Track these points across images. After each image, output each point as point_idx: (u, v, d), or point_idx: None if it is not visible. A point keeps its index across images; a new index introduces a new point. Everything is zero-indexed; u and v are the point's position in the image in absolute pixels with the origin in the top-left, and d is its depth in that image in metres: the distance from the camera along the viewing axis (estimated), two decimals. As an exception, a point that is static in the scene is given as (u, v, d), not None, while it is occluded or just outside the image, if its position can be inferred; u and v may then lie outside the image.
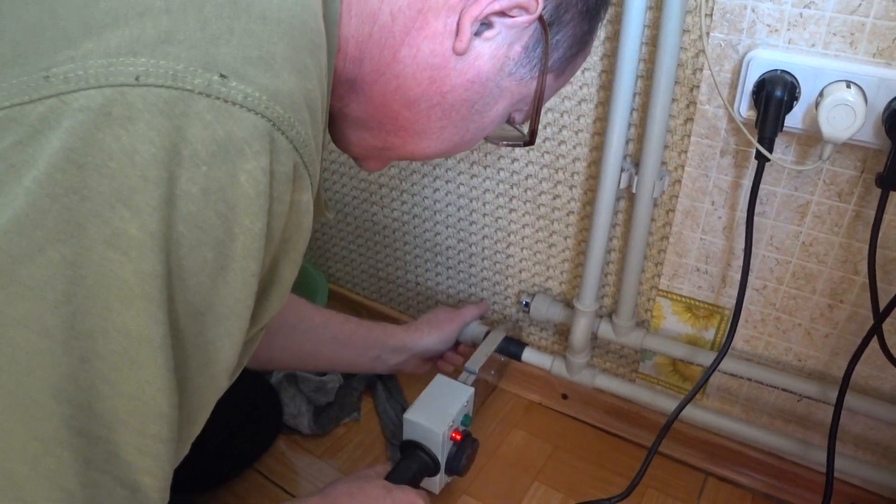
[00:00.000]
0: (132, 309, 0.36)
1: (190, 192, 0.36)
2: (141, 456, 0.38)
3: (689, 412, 0.88)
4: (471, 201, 0.97)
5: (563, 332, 1.00)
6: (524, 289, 0.99)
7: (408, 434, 0.77)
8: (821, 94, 0.67)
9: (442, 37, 0.47)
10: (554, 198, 0.90)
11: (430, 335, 0.90)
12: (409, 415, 0.76)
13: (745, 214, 0.79)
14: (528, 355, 0.93)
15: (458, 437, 0.78)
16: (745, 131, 0.72)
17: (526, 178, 0.91)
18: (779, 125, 0.69)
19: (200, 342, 0.39)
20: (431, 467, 0.76)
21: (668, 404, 0.89)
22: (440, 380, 0.82)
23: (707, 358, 0.85)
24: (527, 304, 0.95)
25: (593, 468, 0.93)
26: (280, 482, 0.91)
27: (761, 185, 0.73)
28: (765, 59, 0.69)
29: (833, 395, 0.79)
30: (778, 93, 0.68)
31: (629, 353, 0.95)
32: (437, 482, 0.79)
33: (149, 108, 0.34)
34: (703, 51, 0.74)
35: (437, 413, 0.77)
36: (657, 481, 0.90)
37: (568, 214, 0.90)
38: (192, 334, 0.39)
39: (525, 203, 0.92)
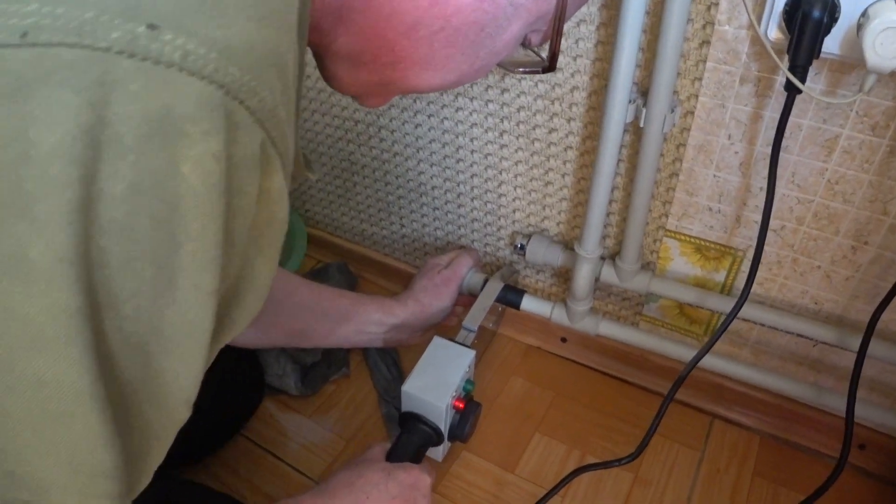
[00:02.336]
0: (45, 355, 0.28)
1: (113, 193, 0.27)
2: None
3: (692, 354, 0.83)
4: (457, 137, 0.87)
5: (561, 275, 0.93)
6: (518, 230, 0.92)
7: (407, 406, 0.71)
8: (864, 15, 0.58)
9: None
10: (550, 132, 0.81)
11: (431, 306, 0.83)
12: (408, 387, 0.70)
13: (764, 149, 0.71)
14: (528, 303, 0.86)
15: (462, 406, 0.72)
16: (774, 56, 0.63)
17: (518, 111, 0.81)
18: (815, 52, 0.60)
19: (147, 375, 0.32)
20: (434, 439, 0.72)
21: (677, 351, 0.84)
22: (438, 342, 0.76)
23: (718, 302, 0.80)
24: (522, 247, 0.88)
25: (596, 415, 0.90)
26: (270, 447, 0.86)
27: (785, 118, 0.65)
28: (800, -29, 0.59)
29: (851, 341, 0.75)
30: (816, 13, 0.58)
31: (633, 296, 0.89)
32: (440, 451, 0.74)
33: (43, 78, 0.25)
34: (725, -39, 0.63)
35: (437, 383, 0.71)
36: (662, 426, 0.85)
37: (566, 150, 0.81)
38: (135, 368, 0.31)
39: (517, 138, 0.83)
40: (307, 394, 0.90)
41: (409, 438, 0.71)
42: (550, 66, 0.51)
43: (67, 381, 0.29)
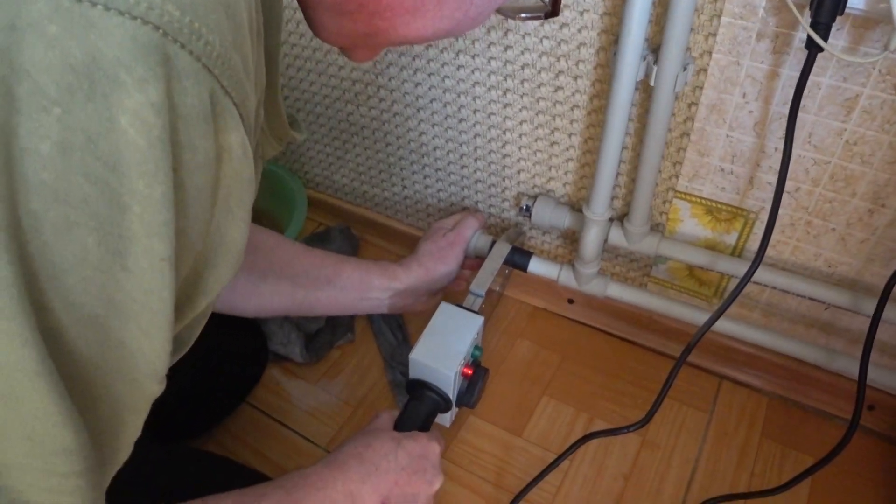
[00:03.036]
0: None
1: (38, 151, 0.24)
2: (53, 495, 0.31)
3: (704, 318, 0.82)
4: (458, 96, 0.84)
5: (568, 236, 0.91)
6: (524, 191, 0.89)
7: (415, 374, 0.71)
8: (893, -33, 0.54)
9: None
10: (556, 90, 0.77)
11: (436, 270, 0.81)
12: (416, 354, 0.69)
13: (780, 109, 0.68)
14: (535, 266, 0.84)
15: (470, 373, 0.72)
16: (795, 11, 0.59)
17: (522, 69, 0.77)
18: (839, 7, 0.56)
19: (107, 349, 0.30)
20: (442, 406, 0.71)
21: (686, 313, 0.83)
22: (445, 308, 0.74)
23: (729, 265, 0.78)
24: (527, 209, 0.86)
25: (604, 378, 0.89)
26: (276, 415, 0.86)
27: (804, 77, 0.61)
28: (825, -80, 0.55)
29: (864, 305, 0.73)
30: (842, -33, 0.55)
31: (642, 258, 0.87)
32: (447, 417, 0.74)
33: None
34: None
35: (446, 350, 0.70)
36: (670, 389, 0.86)
37: (572, 109, 0.78)
38: (92, 342, 0.30)
39: (522, 97, 0.80)
40: (312, 361, 0.90)
41: (418, 406, 0.70)
42: (553, 10, 0.48)
43: (12, 359, 0.27)
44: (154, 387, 0.34)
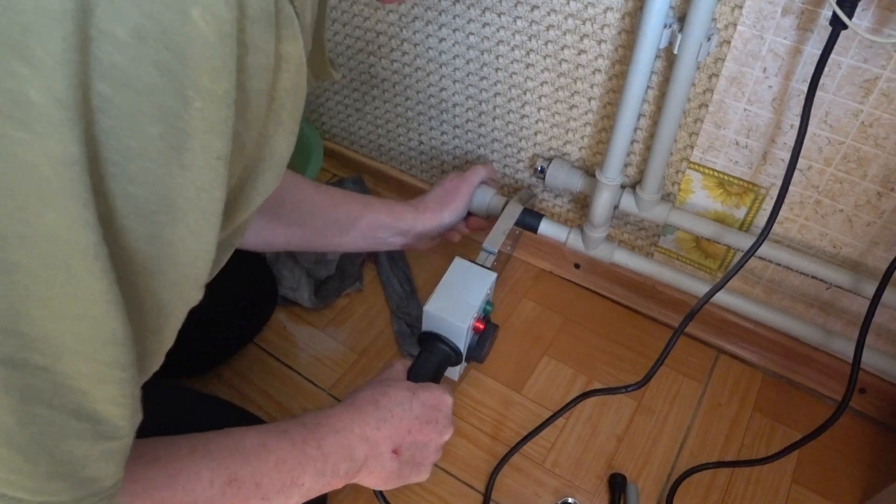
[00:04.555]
0: (52, 207, 0.26)
1: (114, 34, 0.25)
2: (100, 385, 0.31)
3: (705, 288, 0.84)
4: (482, 53, 0.84)
5: (579, 201, 0.92)
6: (539, 153, 0.90)
7: (428, 326, 0.72)
8: (925, -53, 0.55)
9: None
10: (579, 53, 0.78)
11: (440, 213, 0.82)
12: (430, 307, 0.71)
13: (800, 86, 0.69)
14: (545, 227, 0.86)
15: (481, 327, 0.73)
16: (821, -12, 0.59)
17: (547, 29, 0.78)
18: (866, -14, 0.57)
19: (156, 246, 0.31)
20: (454, 359, 0.73)
21: (689, 284, 0.84)
22: (459, 264, 0.75)
23: (736, 238, 0.79)
24: (542, 170, 0.87)
25: (604, 342, 0.91)
26: (281, 357, 0.89)
27: (827, 56, 0.62)
28: None
29: (865, 287, 0.74)
30: (872, -56, 0.55)
31: (650, 226, 0.88)
32: (456, 371, 0.76)
33: None
34: None
35: (459, 304, 0.71)
36: (669, 357, 0.87)
37: (594, 73, 0.79)
38: (142, 238, 0.30)
39: (545, 58, 0.80)
40: (320, 307, 0.92)
41: (429, 358, 0.72)
42: None
43: (71, 238, 0.27)
44: (194, 293, 0.35)
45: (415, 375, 0.70)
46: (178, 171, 0.29)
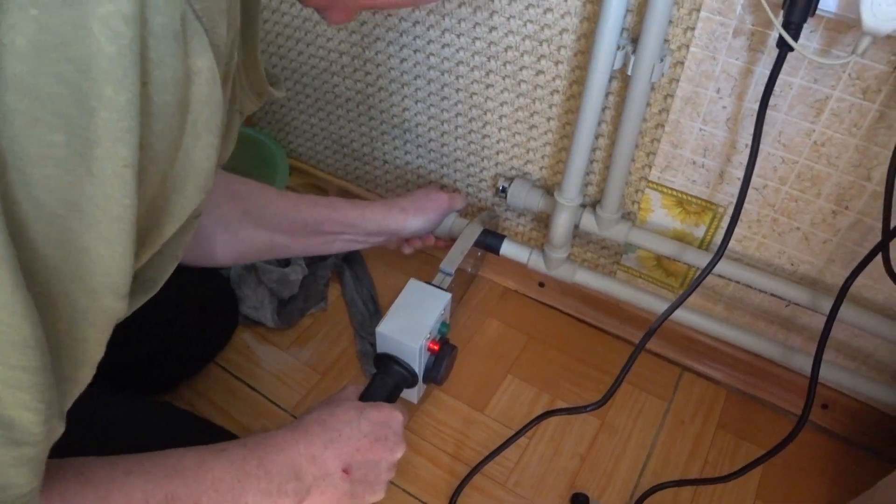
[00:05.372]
0: None
1: (14, 45, 0.26)
2: (9, 390, 0.31)
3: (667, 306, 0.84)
4: (442, 74, 0.85)
5: (542, 220, 0.92)
6: (501, 172, 0.90)
7: (382, 347, 0.72)
8: (865, -29, 0.55)
9: None
10: (537, 74, 0.78)
11: (415, 219, 0.81)
12: (383, 328, 0.71)
13: (753, 106, 0.69)
14: (506, 248, 0.86)
15: (437, 348, 0.73)
16: (769, 10, 0.60)
17: (505, 51, 0.78)
18: (810, 9, 0.57)
19: (67, 252, 0.31)
20: (409, 380, 0.72)
21: (651, 303, 0.84)
22: (413, 285, 0.75)
23: (695, 257, 0.79)
24: (504, 190, 0.87)
25: (568, 360, 0.91)
26: (244, 377, 0.88)
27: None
28: (802, -79, 0.56)
29: (823, 304, 0.75)
30: (814, -32, 0.56)
31: (612, 245, 0.89)
32: (415, 393, 0.75)
33: None
34: None
35: (412, 324, 0.71)
36: (632, 374, 0.88)
37: (552, 94, 0.79)
38: (53, 243, 0.31)
39: (504, 78, 0.81)
40: (283, 327, 0.91)
41: (384, 379, 0.72)
42: None
43: None
44: (114, 303, 0.35)
45: (367, 397, 0.69)
46: (86, 178, 0.30)
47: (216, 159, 0.36)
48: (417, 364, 0.72)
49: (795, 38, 0.58)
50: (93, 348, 0.36)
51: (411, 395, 0.76)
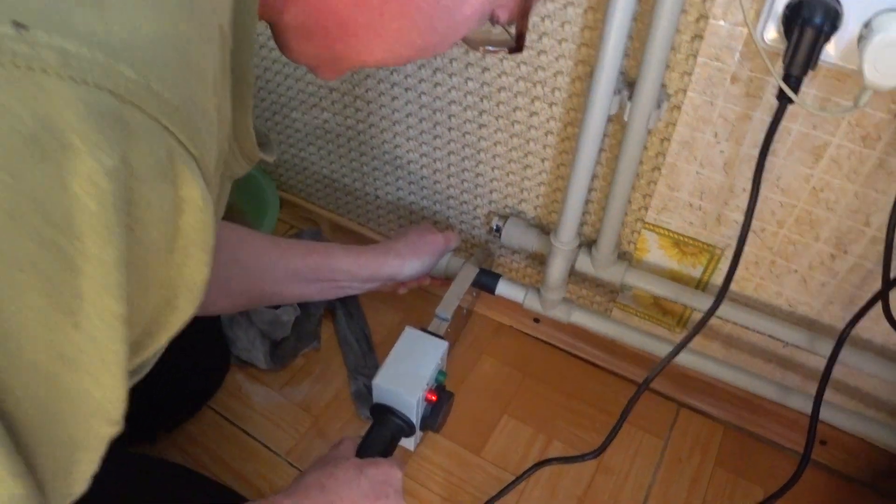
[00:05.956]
0: None
1: None
2: None
3: (665, 348, 0.83)
4: (434, 113, 0.83)
5: (537, 257, 0.91)
6: (495, 210, 0.89)
7: (379, 398, 0.70)
8: (867, 26, 0.54)
9: None
10: (531, 115, 0.77)
11: (411, 264, 0.80)
12: (380, 380, 0.69)
13: (750, 151, 0.68)
14: (502, 288, 0.85)
15: (434, 398, 0.72)
16: (767, 62, 0.59)
17: (498, 91, 0.77)
18: (811, 62, 0.56)
19: (56, 399, 0.30)
20: (406, 431, 0.71)
21: (648, 344, 0.83)
22: (410, 333, 0.74)
23: (693, 298, 0.79)
24: (498, 229, 0.86)
25: (564, 399, 0.90)
26: (237, 421, 0.86)
27: (774, 123, 0.62)
28: (803, -26, 0.54)
29: (821, 346, 0.74)
30: (818, 20, 0.54)
31: (608, 284, 0.88)
32: (412, 441, 0.74)
33: None
34: (724, -48, 0.59)
35: (409, 376, 0.70)
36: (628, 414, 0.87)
37: (546, 134, 0.78)
38: (40, 395, 0.29)
39: (497, 119, 0.79)
40: (276, 368, 0.90)
41: (381, 431, 0.70)
42: (517, 46, 0.49)
43: None
44: (107, 429, 0.34)
45: (364, 451, 0.68)
46: (74, 332, 0.28)
47: (209, 273, 0.35)
48: (415, 415, 0.71)
49: (796, 91, 0.57)
50: (86, 468, 0.34)
51: (408, 443, 0.75)
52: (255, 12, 0.37)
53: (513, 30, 0.48)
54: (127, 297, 0.29)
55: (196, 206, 0.30)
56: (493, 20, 0.46)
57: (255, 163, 0.52)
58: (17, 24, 0.22)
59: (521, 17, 0.45)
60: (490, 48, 0.51)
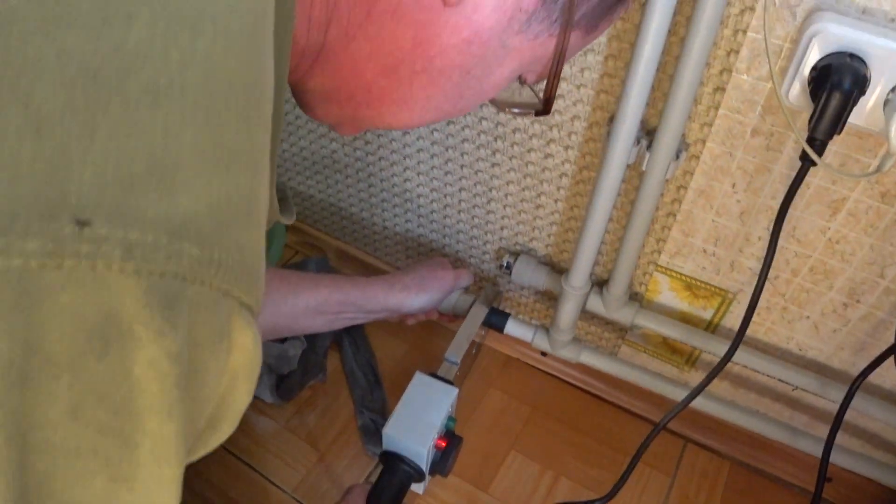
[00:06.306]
0: None
1: (47, 419, 0.23)
2: None
3: (675, 390, 0.83)
4: (446, 150, 0.82)
5: (546, 294, 0.91)
6: (505, 246, 0.88)
7: (388, 446, 0.70)
8: (894, 91, 0.54)
9: None
10: (545, 157, 0.76)
11: (417, 298, 0.79)
12: (390, 429, 0.69)
13: (768, 202, 0.68)
14: (511, 327, 0.84)
15: (444, 444, 0.71)
16: (791, 121, 0.58)
17: (513, 132, 0.76)
18: (838, 128, 0.56)
19: None
20: (415, 478, 0.71)
21: (658, 385, 0.83)
22: (420, 379, 0.73)
23: (703, 341, 0.79)
24: (508, 266, 0.85)
25: (572, 434, 0.90)
26: (244, 456, 0.85)
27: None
28: (833, 35, 0.54)
29: (831, 392, 0.75)
30: (846, 87, 0.54)
31: (618, 323, 0.87)
32: (421, 486, 0.74)
33: None
34: (752, 7, 0.58)
35: (420, 424, 0.69)
36: (635, 448, 0.87)
37: (560, 176, 0.77)
38: None
39: (511, 159, 0.79)
40: (282, 402, 0.89)
41: (391, 479, 0.70)
42: (545, 109, 0.48)
43: None
44: None
45: (374, 500, 0.68)
46: (127, 494, 0.27)
47: (251, 398, 0.34)
48: (425, 463, 0.71)
49: (820, 154, 0.57)
50: None
51: (417, 487, 0.75)
52: (285, 79, 0.36)
53: (540, 91, 0.47)
54: (183, 459, 0.28)
55: (247, 349, 0.29)
56: (521, 80, 0.45)
57: (272, 224, 0.51)
58: (80, 222, 0.21)
59: (553, 81, 0.44)
60: (516, 111, 0.51)
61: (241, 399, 0.33)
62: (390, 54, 0.37)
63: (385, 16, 0.36)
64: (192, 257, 0.24)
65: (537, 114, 0.49)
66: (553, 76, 0.43)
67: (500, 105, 0.51)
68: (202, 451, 0.35)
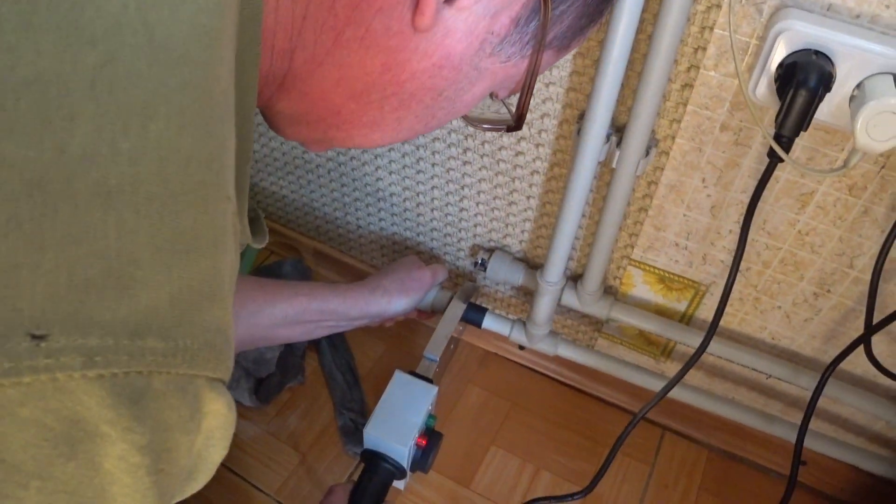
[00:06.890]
0: None
1: None
2: None
3: (652, 380, 0.84)
4: (417, 148, 0.81)
5: (522, 289, 0.91)
6: (480, 243, 0.88)
7: (369, 445, 0.70)
8: (859, 87, 0.54)
9: (399, 8, 0.34)
10: (516, 154, 0.76)
11: (398, 301, 0.79)
12: (370, 429, 0.69)
13: (738, 196, 0.69)
14: (488, 322, 0.84)
15: (424, 442, 0.72)
16: (759, 123, 0.59)
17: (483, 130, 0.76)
18: (804, 125, 0.56)
19: None
20: (397, 476, 0.71)
21: (634, 376, 0.84)
22: (400, 378, 0.73)
23: (678, 333, 0.79)
24: (483, 263, 0.85)
25: (552, 427, 0.91)
26: (226, 461, 0.84)
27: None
28: (799, 33, 0.54)
29: (803, 379, 0.76)
30: (812, 85, 0.54)
31: (593, 316, 0.88)
32: (402, 483, 0.74)
33: None
34: (718, 4, 0.58)
35: (400, 423, 0.69)
36: (614, 439, 0.88)
37: (532, 174, 0.77)
38: None
39: (482, 157, 0.78)
40: (261, 406, 0.89)
41: (372, 479, 0.70)
42: (517, 125, 0.47)
43: None
44: None
45: (357, 499, 0.68)
46: None
47: (226, 452, 0.34)
48: (406, 461, 0.71)
49: (787, 151, 0.57)
50: None
51: (399, 484, 0.75)
52: (252, 108, 0.35)
53: (512, 105, 0.47)
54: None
55: (220, 414, 0.29)
56: (493, 96, 0.45)
57: (243, 246, 0.50)
58: (35, 336, 0.21)
59: (524, 96, 0.44)
60: (487, 126, 0.50)
61: (216, 454, 0.33)
62: (359, 80, 0.37)
63: (353, 42, 0.35)
64: (155, 352, 0.24)
65: (509, 129, 0.49)
66: (525, 93, 0.43)
67: (471, 122, 0.50)
68: (178, 499, 0.35)
